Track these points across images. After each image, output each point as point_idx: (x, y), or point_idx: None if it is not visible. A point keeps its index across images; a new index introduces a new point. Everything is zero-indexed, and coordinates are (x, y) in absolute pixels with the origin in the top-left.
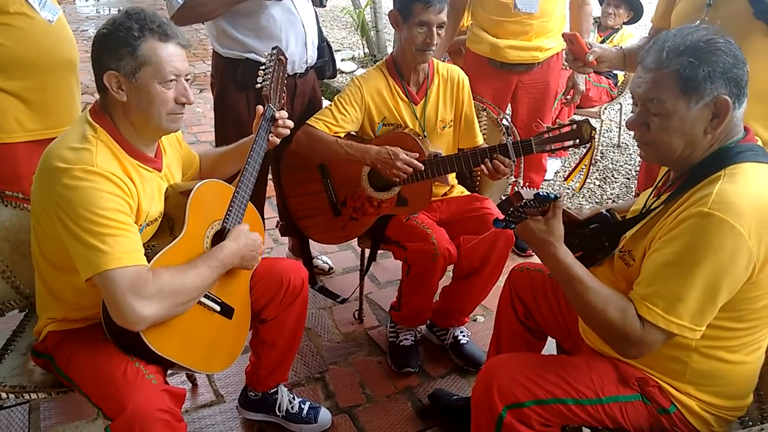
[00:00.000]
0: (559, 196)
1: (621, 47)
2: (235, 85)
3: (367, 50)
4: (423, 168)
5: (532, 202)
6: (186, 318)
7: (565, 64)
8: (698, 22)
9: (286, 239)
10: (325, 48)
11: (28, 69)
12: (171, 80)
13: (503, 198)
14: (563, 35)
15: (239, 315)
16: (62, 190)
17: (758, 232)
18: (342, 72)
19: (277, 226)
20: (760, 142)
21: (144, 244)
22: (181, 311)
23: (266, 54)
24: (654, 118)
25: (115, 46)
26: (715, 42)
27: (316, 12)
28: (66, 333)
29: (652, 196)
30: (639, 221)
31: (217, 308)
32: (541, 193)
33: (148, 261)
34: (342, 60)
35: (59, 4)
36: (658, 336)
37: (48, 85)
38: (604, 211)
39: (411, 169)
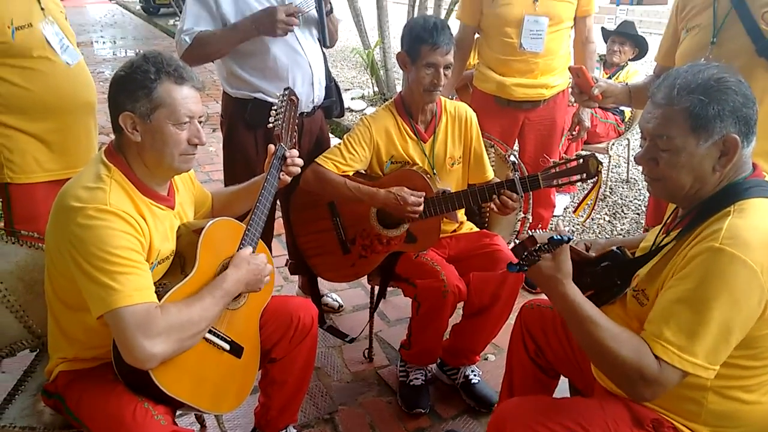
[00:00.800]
0: (572, 238)
1: (627, 83)
2: (244, 124)
3: (376, 89)
4: (429, 206)
5: (546, 246)
6: (195, 357)
7: (572, 100)
8: (702, 60)
9: (296, 277)
10: (332, 88)
11: (49, 111)
12: (185, 122)
13: (516, 242)
14: (570, 69)
15: (249, 354)
16: (76, 229)
17: None
18: (352, 110)
19: (286, 264)
20: (767, 178)
21: (155, 283)
22: (190, 345)
23: (278, 94)
24: (663, 153)
25: (132, 88)
26: (726, 81)
27: (324, 52)
28: (77, 373)
29: (661, 233)
30: (650, 258)
31: (227, 347)
32: (554, 237)
33: (159, 299)
34: (352, 99)
35: (78, 46)
36: (674, 376)
37: (67, 126)
38: (614, 248)
39: (420, 210)
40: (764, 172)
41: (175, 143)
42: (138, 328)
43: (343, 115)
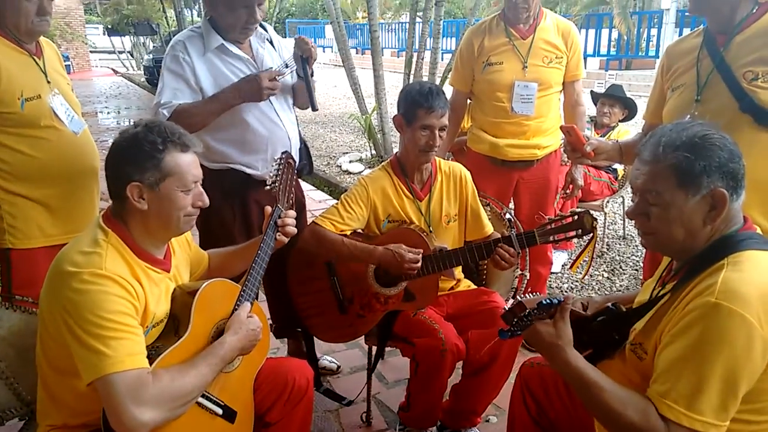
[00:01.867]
0: (562, 300)
1: (617, 140)
2: (221, 193)
3: (374, 152)
4: (426, 264)
5: (535, 311)
6: (186, 422)
7: (565, 159)
8: (688, 117)
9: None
10: (302, 149)
11: (53, 178)
12: (191, 188)
13: (505, 309)
14: (561, 128)
15: (242, 419)
16: (70, 294)
17: None
18: (350, 173)
19: (270, 329)
20: (759, 230)
21: (149, 345)
22: (181, 413)
23: (275, 158)
24: (653, 208)
25: (140, 159)
26: (711, 137)
27: (296, 116)
28: None
29: (657, 285)
30: (646, 311)
31: (219, 411)
32: (544, 301)
33: (151, 362)
34: (350, 161)
35: (83, 116)
36: None
37: (71, 192)
38: (609, 305)
39: (418, 267)
40: (756, 224)
41: (182, 207)
42: (128, 395)
43: (311, 173)
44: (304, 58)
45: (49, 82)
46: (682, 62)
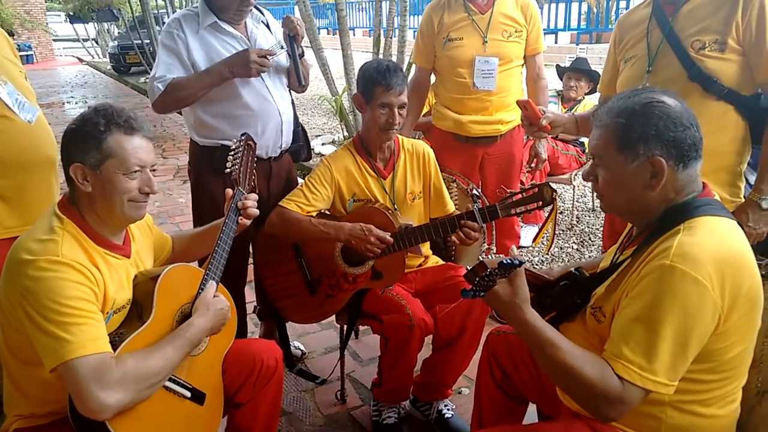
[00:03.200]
0: (523, 262)
1: (573, 113)
2: (212, 171)
3: (346, 134)
4: (393, 243)
5: (497, 270)
6: (155, 406)
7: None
8: (640, 87)
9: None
10: (300, 132)
11: (7, 168)
12: (135, 171)
13: (468, 268)
14: (518, 102)
15: (211, 400)
16: (27, 282)
17: (720, 283)
18: (322, 155)
19: (254, 311)
20: (717, 197)
21: (112, 332)
22: (148, 395)
23: (234, 140)
24: (600, 170)
25: (82, 140)
26: (653, 105)
27: (292, 98)
28: (33, 430)
29: (617, 251)
30: (607, 276)
31: (188, 394)
32: (504, 261)
33: (115, 348)
34: (323, 144)
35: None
36: (637, 394)
37: (27, 183)
38: (572, 269)
39: (384, 245)
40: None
41: (124, 191)
42: (92, 379)
43: (310, 159)
44: (291, 36)
45: None
46: (633, 33)
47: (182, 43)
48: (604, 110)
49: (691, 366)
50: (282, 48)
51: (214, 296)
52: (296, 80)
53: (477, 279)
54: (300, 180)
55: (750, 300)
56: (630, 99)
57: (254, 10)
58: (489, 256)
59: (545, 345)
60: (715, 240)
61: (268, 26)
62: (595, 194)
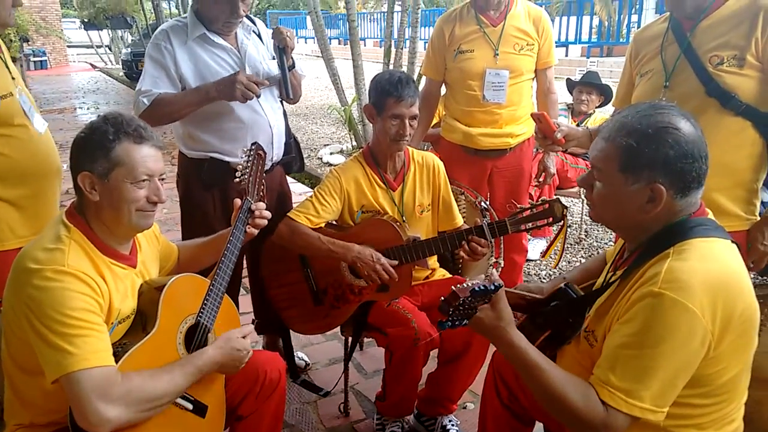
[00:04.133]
0: (500, 285)
1: (587, 127)
2: (200, 183)
3: (354, 143)
4: (396, 279)
5: (470, 299)
6: (156, 418)
7: (537, 147)
8: (659, 103)
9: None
10: (292, 144)
11: (25, 177)
12: (143, 180)
13: (441, 299)
14: (532, 115)
15: (213, 413)
16: (32, 291)
17: (711, 309)
18: (331, 165)
19: (252, 323)
20: (711, 215)
21: (116, 342)
22: (150, 416)
23: (244, 149)
24: (597, 182)
25: (91, 149)
26: (667, 131)
27: (284, 110)
28: None
29: (609, 269)
30: (598, 296)
31: (189, 407)
32: (477, 288)
33: (119, 359)
34: (331, 153)
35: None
36: (622, 420)
37: (41, 191)
38: (562, 285)
39: (386, 276)
40: (720, 206)
41: (132, 200)
42: (94, 392)
43: (302, 170)
44: (280, 48)
45: (13, 78)
46: (649, 48)
47: (169, 55)
48: (614, 123)
49: (684, 391)
50: (278, 68)
51: (242, 337)
52: (285, 93)
53: (451, 310)
54: (303, 189)
55: (744, 323)
56: (645, 118)
57: (245, 19)
58: (495, 270)
59: (530, 367)
60: (706, 264)
61: (260, 36)
62: None
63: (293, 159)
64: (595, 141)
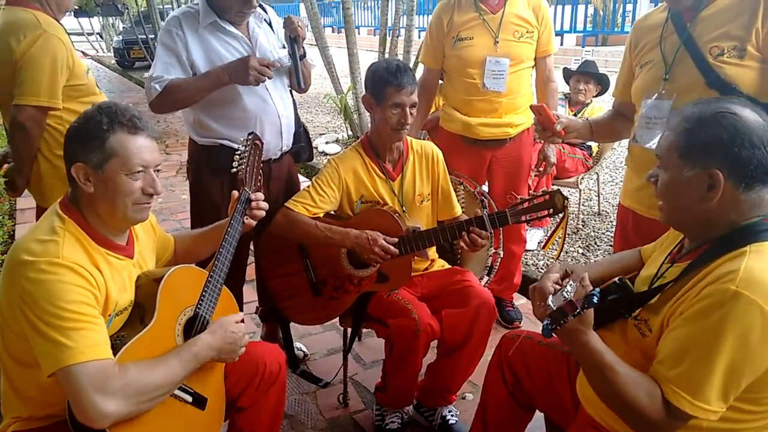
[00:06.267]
0: (597, 293)
1: (587, 118)
2: (210, 170)
3: (350, 133)
4: (398, 253)
5: (584, 307)
6: (155, 411)
7: (536, 136)
8: (655, 95)
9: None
10: (301, 133)
11: None
12: (138, 171)
13: (553, 308)
14: (531, 107)
15: (213, 405)
16: (26, 284)
17: None
18: (326, 154)
19: (256, 312)
20: None
21: (113, 334)
22: (149, 407)
23: (241, 139)
24: (661, 173)
25: (85, 139)
26: (722, 115)
27: (294, 99)
28: None
29: (666, 261)
30: (658, 291)
31: (189, 399)
32: (592, 299)
33: (117, 351)
34: (326, 143)
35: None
36: (684, 418)
37: None
38: (616, 280)
39: (388, 256)
40: None
41: (127, 192)
42: (92, 386)
43: (311, 160)
44: (292, 38)
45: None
46: (649, 38)
47: (181, 42)
48: (677, 113)
49: (736, 399)
50: (290, 57)
51: (236, 322)
52: (296, 82)
53: (563, 321)
54: (302, 180)
55: None
56: (705, 105)
57: (258, 8)
58: (496, 265)
59: (604, 369)
60: None
61: (270, 24)
62: (601, 197)
63: (302, 148)
64: (663, 134)
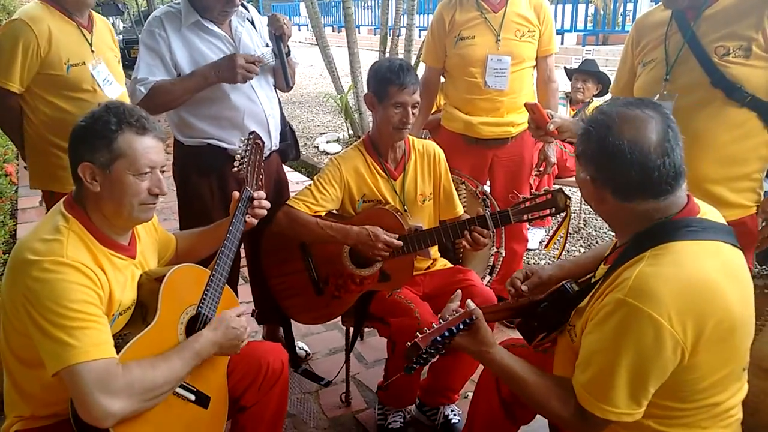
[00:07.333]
0: (472, 320)
1: (581, 118)
2: (197, 171)
3: (351, 132)
4: (402, 246)
5: (431, 349)
6: (158, 409)
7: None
8: (657, 95)
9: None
10: (287, 131)
11: None
12: (145, 172)
13: (408, 345)
14: (525, 105)
15: (216, 404)
16: (31, 282)
17: (680, 317)
18: (327, 154)
19: (252, 314)
20: (703, 211)
21: (116, 333)
22: (153, 405)
23: (242, 139)
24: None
25: (92, 139)
26: (608, 128)
27: (279, 98)
28: (33, 431)
29: (603, 264)
30: (587, 294)
31: (192, 397)
32: (438, 338)
33: (119, 350)
34: (327, 142)
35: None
36: (598, 422)
37: None
38: (564, 284)
39: (391, 250)
40: (723, 198)
41: (134, 193)
42: (95, 385)
43: (298, 158)
44: (277, 36)
45: (93, 51)
46: (652, 37)
47: (164, 43)
48: (589, 115)
49: (662, 394)
50: (275, 56)
51: (237, 316)
52: (282, 81)
53: (414, 360)
54: (299, 177)
55: (724, 329)
56: (613, 107)
57: (240, 6)
58: (498, 263)
59: (515, 380)
60: (679, 271)
61: (253, 23)
62: None
63: (289, 146)
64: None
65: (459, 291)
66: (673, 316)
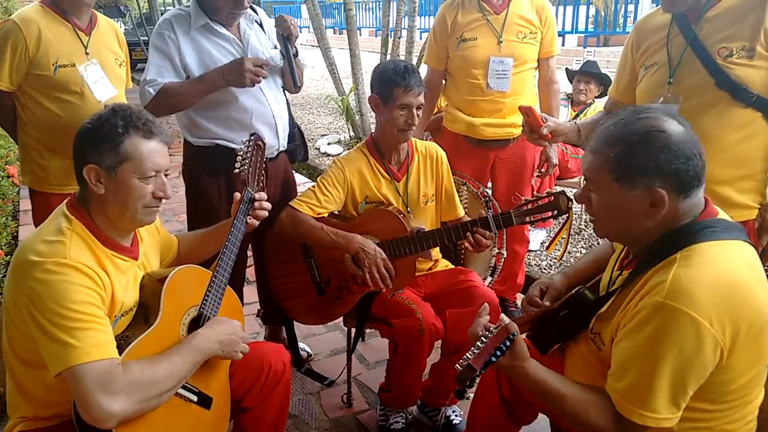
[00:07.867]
0: (514, 336)
1: (575, 122)
2: (207, 171)
3: (352, 133)
4: (390, 285)
5: (482, 370)
6: (160, 410)
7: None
8: (661, 99)
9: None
10: (296, 133)
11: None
12: (151, 176)
13: (458, 370)
14: (520, 108)
15: (218, 405)
16: (34, 284)
17: (720, 317)
18: (329, 155)
19: (258, 314)
20: (721, 213)
21: (119, 335)
22: (155, 405)
23: (243, 141)
24: (593, 194)
25: (99, 141)
26: (651, 135)
27: (287, 99)
28: None
29: (615, 268)
30: (607, 300)
31: (194, 398)
32: (492, 359)
33: (122, 352)
34: (329, 144)
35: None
36: (637, 429)
37: None
38: (577, 290)
39: (384, 273)
40: (730, 200)
41: (139, 196)
42: (97, 386)
43: (306, 159)
44: (284, 37)
45: (87, 53)
46: (653, 40)
47: (174, 45)
48: (599, 135)
49: (694, 395)
50: (282, 57)
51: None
52: (291, 82)
53: (468, 382)
54: (301, 179)
55: (755, 327)
56: (627, 126)
57: (248, 9)
58: (500, 265)
59: (551, 396)
60: (712, 271)
61: (261, 26)
62: None
63: (297, 147)
64: (584, 155)
65: (486, 305)
66: (713, 317)
